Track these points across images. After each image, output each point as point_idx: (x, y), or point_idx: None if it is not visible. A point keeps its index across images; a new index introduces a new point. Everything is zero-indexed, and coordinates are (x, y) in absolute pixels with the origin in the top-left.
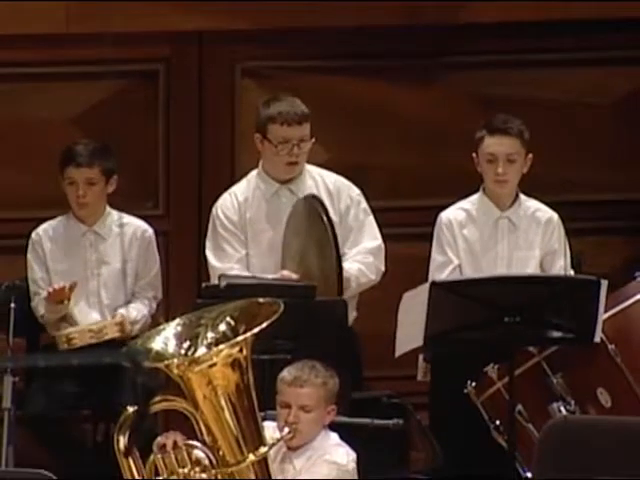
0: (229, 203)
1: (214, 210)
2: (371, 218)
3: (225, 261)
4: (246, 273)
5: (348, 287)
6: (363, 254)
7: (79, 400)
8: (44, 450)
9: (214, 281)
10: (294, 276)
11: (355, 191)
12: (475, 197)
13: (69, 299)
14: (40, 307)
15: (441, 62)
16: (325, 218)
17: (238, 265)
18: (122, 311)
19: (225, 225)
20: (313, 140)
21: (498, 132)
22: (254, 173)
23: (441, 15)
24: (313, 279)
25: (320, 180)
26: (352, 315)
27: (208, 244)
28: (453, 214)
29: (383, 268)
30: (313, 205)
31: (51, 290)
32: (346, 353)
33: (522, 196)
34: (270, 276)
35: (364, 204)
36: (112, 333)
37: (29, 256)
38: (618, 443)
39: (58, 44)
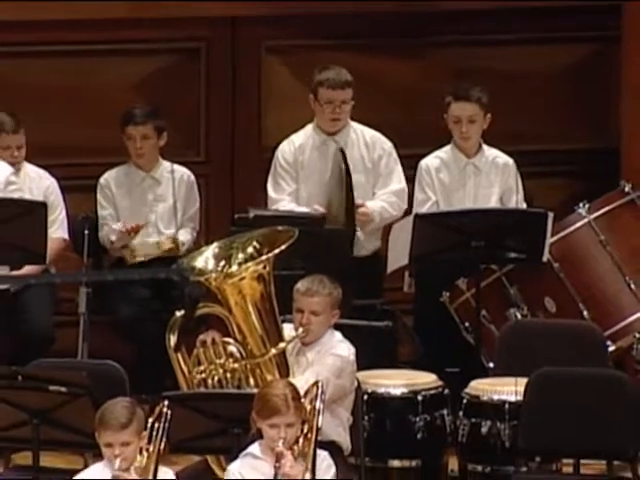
0: (287, 148)
1: (276, 153)
2: (399, 166)
3: (280, 193)
4: (294, 205)
5: (371, 221)
6: (388, 194)
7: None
8: (116, 346)
9: (271, 207)
10: (321, 209)
11: (387, 144)
12: (447, 148)
13: (138, 232)
14: (112, 235)
15: (422, 41)
16: (343, 168)
17: (289, 197)
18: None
19: (282, 165)
20: (353, 102)
21: (461, 99)
22: (310, 126)
23: (422, 4)
24: (334, 213)
25: (360, 134)
26: (376, 244)
27: (269, 179)
28: (430, 161)
29: (405, 206)
30: (338, 156)
31: (129, 227)
32: (348, 269)
33: (484, 146)
34: (305, 209)
35: (394, 155)
36: (167, 245)
37: (99, 197)
38: (560, 340)
39: (122, 26)
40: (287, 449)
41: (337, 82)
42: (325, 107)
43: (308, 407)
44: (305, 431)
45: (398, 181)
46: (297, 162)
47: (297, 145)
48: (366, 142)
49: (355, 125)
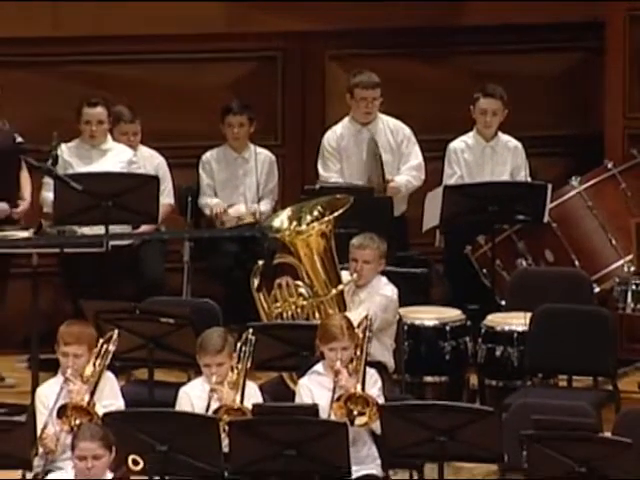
0: (331, 136)
1: (322, 140)
2: (417, 146)
3: (328, 171)
4: (340, 180)
5: (399, 192)
6: (409, 169)
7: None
8: (212, 288)
9: (321, 183)
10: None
11: (407, 130)
12: (470, 133)
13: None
14: (206, 209)
15: (450, 50)
16: (377, 153)
17: (336, 175)
18: (255, 206)
19: (328, 149)
20: (382, 99)
21: (489, 96)
22: (347, 118)
23: (449, 19)
24: (375, 186)
25: (386, 123)
26: (403, 208)
27: (319, 161)
28: (457, 144)
29: (423, 177)
30: (372, 144)
31: (218, 212)
32: (392, 229)
33: (499, 132)
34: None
35: (413, 138)
36: (248, 219)
37: (200, 171)
38: (557, 284)
39: (219, 39)
40: (343, 367)
41: (369, 83)
42: (360, 103)
43: (360, 335)
44: (358, 353)
45: (416, 157)
46: (339, 147)
47: (338, 134)
48: (390, 129)
49: (382, 116)
